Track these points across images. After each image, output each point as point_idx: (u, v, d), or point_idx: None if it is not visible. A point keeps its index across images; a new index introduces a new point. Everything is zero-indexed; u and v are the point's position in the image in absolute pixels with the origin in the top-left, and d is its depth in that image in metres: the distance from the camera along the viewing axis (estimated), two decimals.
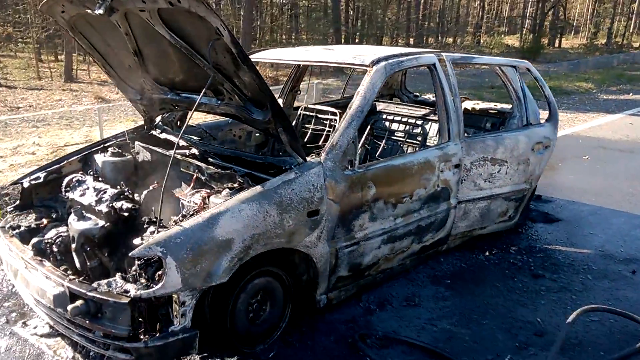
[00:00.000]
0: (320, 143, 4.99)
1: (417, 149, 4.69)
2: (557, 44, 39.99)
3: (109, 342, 2.70)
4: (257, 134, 5.01)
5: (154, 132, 4.08)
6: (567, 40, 45.04)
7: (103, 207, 3.16)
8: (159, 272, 2.64)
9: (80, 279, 2.85)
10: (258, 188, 2.91)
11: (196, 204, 3.14)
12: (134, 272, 2.73)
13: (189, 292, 2.64)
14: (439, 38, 38.62)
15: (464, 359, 3.03)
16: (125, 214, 3.15)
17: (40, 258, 3.03)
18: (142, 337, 2.63)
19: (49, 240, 3.20)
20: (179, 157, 3.56)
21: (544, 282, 3.96)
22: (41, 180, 3.65)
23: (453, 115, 3.95)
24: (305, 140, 5.09)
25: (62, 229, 3.34)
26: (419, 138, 4.71)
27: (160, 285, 2.57)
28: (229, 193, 3.03)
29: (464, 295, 3.75)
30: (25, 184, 3.60)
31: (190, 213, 3.05)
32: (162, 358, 2.81)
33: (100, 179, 3.61)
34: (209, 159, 3.52)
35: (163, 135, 4.01)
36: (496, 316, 3.49)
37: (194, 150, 3.65)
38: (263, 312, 3.10)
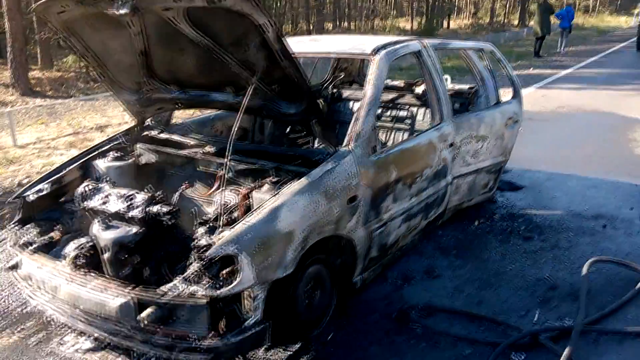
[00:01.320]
0: None
1: (404, 133, 4.92)
2: (446, 25, 41.99)
3: (184, 344, 2.69)
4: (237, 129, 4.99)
5: (151, 133, 3.98)
6: (455, 21, 47.39)
7: (137, 213, 3.08)
8: (227, 270, 2.67)
9: (141, 287, 2.80)
10: (305, 180, 2.99)
11: (229, 201, 3.17)
12: (196, 273, 2.73)
13: (260, 286, 2.69)
14: (337, 23, 39.27)
15: (501, 317, 3.32)
16: (165, 218, 3.10)
17: (85, 271, 2.92)
18: (218, 335, 2.66)
19: (82, 253, 3.08)
20: (200, 156, 3.54)
21: (536, 243, 4.36)
22: (46, 192, 3.47)
23: (443, 97, 4.21)
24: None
25: (83, 240, 3.22)
26: (407, 122, 4.94)
27: (236, 282, 2.60)
28: (270, 187, 3.08)
29: (474, 262, 4.05)
30: (31, 197, 3.41)
31: (230, 210, 3.09)
32: (238, 353, 2.86)
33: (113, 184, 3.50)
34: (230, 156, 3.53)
35: (163, 135, 3.93)
36: (510, 278, 3.81)
37: (208, 148, 3.62)
38: (315, 299, 3.20)
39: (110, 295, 2.72)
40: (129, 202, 3.14)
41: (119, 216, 3.13)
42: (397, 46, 3.95)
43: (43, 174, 3.58)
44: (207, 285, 2.66)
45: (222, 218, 2.81)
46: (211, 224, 2.96)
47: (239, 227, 2.68)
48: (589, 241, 4.41)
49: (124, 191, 3.26)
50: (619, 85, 12.59)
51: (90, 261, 3.08)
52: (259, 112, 3.51)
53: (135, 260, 3.08)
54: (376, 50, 3.76)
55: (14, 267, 3.19)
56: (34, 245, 3.21)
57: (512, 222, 4.77)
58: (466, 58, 5.00)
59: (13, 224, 3.45)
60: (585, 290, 3.41)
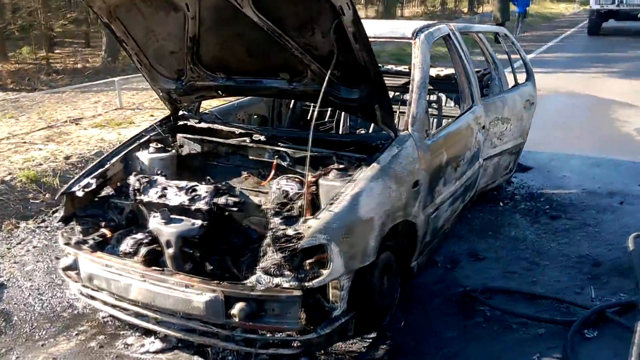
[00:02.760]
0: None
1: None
2: (401, 14, 42.39)
3: (274, 339, 2.60)
4: (255, 117, 4.87)
5: (189, 123, 3.82)
6: (407, 9, 47.88)
7: (202, 205, 2.95)
8: (310, 260, 2.59)
9: (227, 282, 2.68)
10: (376, 165, 2.93)
11: (290, 190, 3.09)
12: (277, 265, 2.63)
13: (346, 275, 2.63)
14: None
15: (559, 295, 3.38)
16: (234, 209, 2.99)
17: (159, 268, 2.78)
18: (310, 328, 2.58)
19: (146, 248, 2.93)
20: (252, 144, 3.42)
21: (564, 222, 4.44)
22: (94, 186, 3.27)
23: (473, 80, 4.22)
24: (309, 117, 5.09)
25: (140, 235, 3.07)
26: (434, 106, 4.92)
27: (327, 272, 2.52)
28: (338, 175, 3.01)
29: (513, 243, 4.09)
30: (79, 193, 3.21)
31: (295, 199, 3.01)
32: (327, 346, 2.79)
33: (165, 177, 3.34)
34: (280, 143, 3.43)
35: (203, 125, 3.77)
36: (553, 257, 3.87)
37: (257, 136, 3.51)
38: (384, 286, 3.15)
39: (195, 292, 2.59)
40: (191, 195, 3.01)
41: (181, 209, 3.00)
42: (432, 29, 3.92)
43: (86, 169, 3.36)
44: (290, 278, 2.58)
45: (305, 207, 2.72)
46: (286, 214, 2.87)
47: (326, 216, 2.60)
48: (612, 218, 4.53)
49: (182, 183, 3.12)
50: (583, 68, 13.02)
51: (152, 257, 2.96)
52: (312, 99, 3.40)
53: (199, 254, 2.98)
54: (416, 33, 3.72)
55: (69, 267, 3.00)
56: (88, 244, 3.04)
57: (535, 203, 4.85)
58: (480, 42, 5.04)
59: (57, 222, 3.25)
60: (638, 266, 3.51)
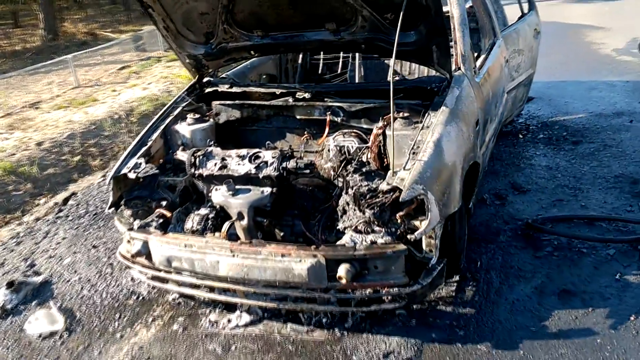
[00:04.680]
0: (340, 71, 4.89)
1: None
2: None
3: (377, 295, 2.56)
4: (265, 76, 4.68)
5: (220, 88, 3.62)
6: None
7: (271, 172, 2.83)
8: (400, 213, 2.54)
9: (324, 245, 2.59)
10: (446, 109, 2.86)
11: (349, 145, 3.01)
12: (366, 222, 2.57)
13: (440, 224, 2.59)
14: None
15: (612, 214, 3.47)
16: (306, 171, 2.89)
17: (248, 241, 2.66)
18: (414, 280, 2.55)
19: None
20: (301, 103, 3.28)
21: (587, 145, 4.53)
22: (144, 166, 3.07)
23: (493, 14, 4.17)
24: (320, 72, 4.94)
25: (204, 210, 2.94)
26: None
27: (427, 222, 2.46)
28: (406, 123, 2.93)
29: (548, 171, 4.14)
30: (131, 175, 3.01)
31: (359, 153, 2.94)
32: (428, 294, 2.77)
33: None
34: (326, 98, 3.30)
35: (235, 89, 3.58)
36: (591, 180, 3.94)
37: (301, 94, 3.36)
38: (457, 229, 3.15)
39: (294, 259, 2.50)
40: (256, 162, 2.88)
41: (246, 178, 2.87)
42: None
43: (128, 150, 3.15)
44: (383, 233, 2.53)
45: (409, 158, 2.61)
46: (365, 170, 2.78)
47: (418, 166, 2.53)
48: (629, 136, 4.66)
49: (242, 151, 2.97)
50: None
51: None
52: (357, 48, 3.27)
53: (269, 222, 2.88)
54: None
55: (138, 254, 2.84)
56: (152, 227, 2.88)
57: (551, 131, 4.93)
58: None
59: (108, 209, 3.06)
60: None
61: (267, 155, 2.89)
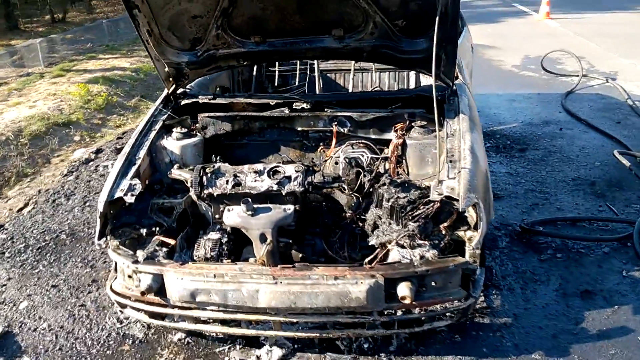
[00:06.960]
0: None
1: None
2: None
3: (435, 313, 2.40)
4: (218, 89, 4.36)
5: (201, 100, 3.28)
6: None
7: (296, 187, 2.59)
8: (444, 224, 2.45)
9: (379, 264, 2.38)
10: (464, 116, 2.83)
11: (359, 157, 2.89)
12: (411, 236, 2.44)
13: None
14: None
15: (595, 214, 3.66)
16: (334, 185, 2.68)
17: (292, 266, 2.37)
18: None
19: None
20: (306, 113, 3.05)
21: (534, 152, 4.75)
22: (139, 188, 2.64)
23: None
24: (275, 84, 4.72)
25: (215, 235, 2.62)
26: None
27: (480, 231, 2.38)
28: (424, 132, 2.85)
29: (511, 177, 4.27)
30: (128, 199, 2.57)
31: (375, 164, 2.83)
32: (475, 306, 2.67)
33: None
34: (326, 109, 3.12)
35: (221, 100, 3.25)
36: (555, 184, 4.11)
37: (302, 105, 3.13)
38: None
39: (350, 281, 2.26)
40: (277, 178, 2.62)
41: (265, 196, 2.60)
42: None
43: (115, 170, 2.68)
44: (428, 247, 2.41)
45: (449, 167, 2.50)
46: (396, 183, 2.63)
47: (465, 174, 2.43)
48: (565, 142, 4.97)
49: (258, 167, 2.69)
50: None
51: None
52: (359, 56, 3.12)
53: (290, 242, 2.65)
54: None
55: (149, 289, 2.41)
56: (159, 257, 2.49)
57: (495, 140, 5.11)
58: None
59: (98, 241, 2.60)
60: None
61: (288, 169, 2.64)
